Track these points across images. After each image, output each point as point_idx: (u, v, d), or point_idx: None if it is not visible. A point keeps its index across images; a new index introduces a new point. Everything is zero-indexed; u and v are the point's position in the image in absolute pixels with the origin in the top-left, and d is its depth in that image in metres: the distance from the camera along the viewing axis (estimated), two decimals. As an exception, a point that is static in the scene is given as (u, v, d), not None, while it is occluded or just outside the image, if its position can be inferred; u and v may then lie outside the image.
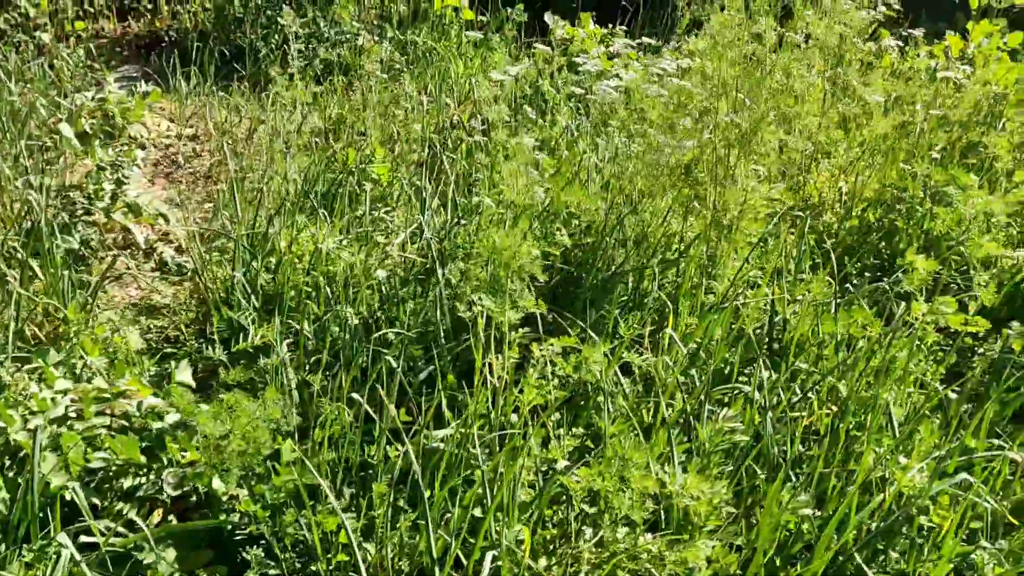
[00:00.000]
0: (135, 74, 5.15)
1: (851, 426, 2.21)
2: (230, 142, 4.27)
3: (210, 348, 2.57)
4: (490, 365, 2.09)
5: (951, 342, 2.55)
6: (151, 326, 3.00)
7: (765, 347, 2.62)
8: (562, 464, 1.88)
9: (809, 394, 2.39)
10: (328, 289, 2.71)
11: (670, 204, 2.68)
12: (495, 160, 2.87)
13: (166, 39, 5.34)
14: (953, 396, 2.35)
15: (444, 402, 2.13)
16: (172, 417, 1.95)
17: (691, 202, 2.71)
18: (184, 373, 2.19)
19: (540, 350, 2.07)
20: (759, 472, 2.02)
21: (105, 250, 3.12)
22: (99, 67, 4.88)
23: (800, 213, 3.06)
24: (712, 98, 2.48)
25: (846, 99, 3.62)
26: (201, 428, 1.80)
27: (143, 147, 3.52)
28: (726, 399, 2.40)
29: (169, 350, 2.77)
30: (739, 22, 2.42)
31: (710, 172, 2.60)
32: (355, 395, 1.98)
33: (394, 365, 2.13)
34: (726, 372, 2.50)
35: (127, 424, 1.99)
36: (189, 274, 3.19)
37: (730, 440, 1.89)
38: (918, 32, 5.02)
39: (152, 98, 4.31)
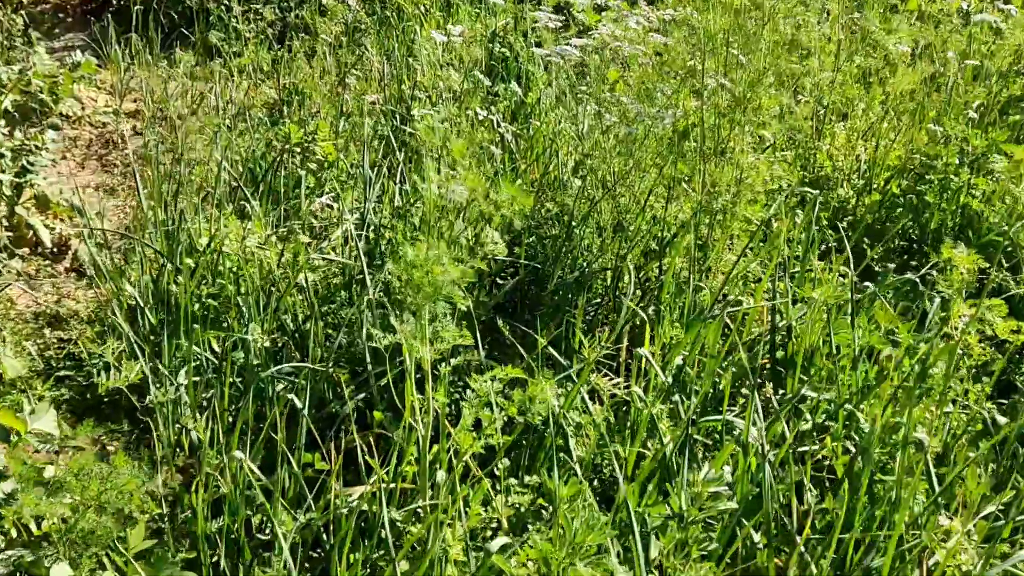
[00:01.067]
0: (79, 43, 4.70)
1: (874, 464, 1.77)
2: (175, 118, 3.83)
3: (103, 374, 2.17)
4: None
5: (998, 351, 2.09)
6: (56, 339, 2.60)
7: (767, 357, 2.17)
8: (497, 543, 1.46)
9: (825, 421, 1.96)
10: (250, 298, 2.28)
11: (651, 186, 2.22)
12: (448, 136, 2.43)
13: (115, 2, 4.87)
14: (1002, 420, 1.90)
15: (361, 450, 1.71)
16: (9, 484, 1.55)
17: (678, 183, 2.25)
18: (44, 418, 1.77)
19: (478, 384, 1.64)
20: (757, 538, 1.59)
21: (2, 250, 2.71)
22: (40, 36, 4.43)
23: (810, 190, 2.59)
24: (698, 56, 2.00)
25: (866, 49, 3.11)
26: (25, 507, 1.39)
27: (56, 127, 3.08)
28: (720, 429, 1.96)
29: (66, 372, 2.37)
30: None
31: (698, 146, 2.14)
32: (237, 452, 1.57)
33: (298, 404, 1.71)
34: (721, 388, 2.07)
35: (-40, 491, 1.59)
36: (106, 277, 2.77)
37: (713, 509, 1.46)
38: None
39: (85, 69, 3.84)
